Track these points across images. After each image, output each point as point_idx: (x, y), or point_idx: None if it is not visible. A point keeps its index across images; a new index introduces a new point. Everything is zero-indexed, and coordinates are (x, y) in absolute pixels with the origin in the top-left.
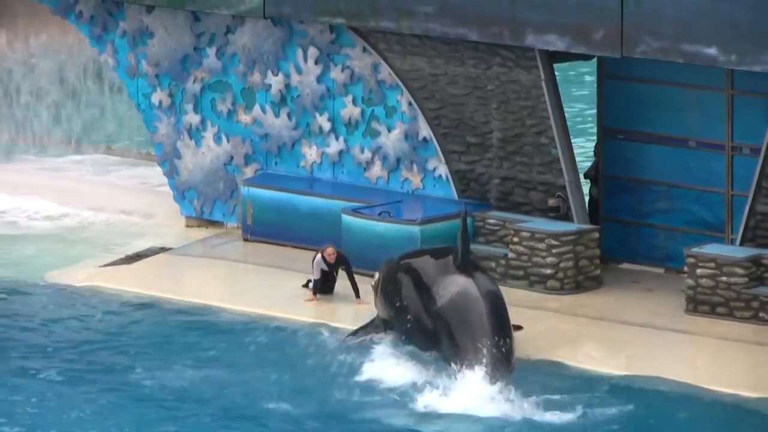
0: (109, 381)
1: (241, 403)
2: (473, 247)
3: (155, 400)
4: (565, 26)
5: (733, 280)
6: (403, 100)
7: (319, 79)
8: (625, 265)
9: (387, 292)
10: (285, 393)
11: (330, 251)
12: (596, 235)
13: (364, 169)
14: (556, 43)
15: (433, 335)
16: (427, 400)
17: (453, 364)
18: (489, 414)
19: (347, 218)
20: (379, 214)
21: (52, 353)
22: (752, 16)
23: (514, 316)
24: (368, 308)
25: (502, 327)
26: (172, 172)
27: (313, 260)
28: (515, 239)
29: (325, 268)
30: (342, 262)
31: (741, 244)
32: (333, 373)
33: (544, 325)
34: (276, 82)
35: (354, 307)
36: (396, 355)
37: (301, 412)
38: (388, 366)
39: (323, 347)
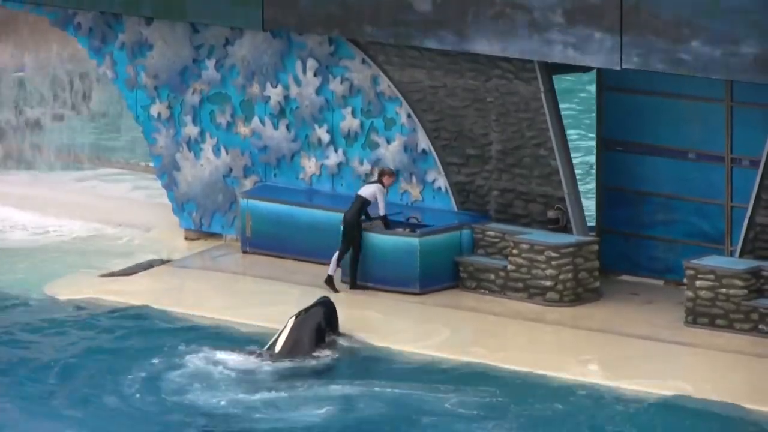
0: (107, 392)
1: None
2: (472, 259)
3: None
4: (564, 38)
5: (732, 292)
6: (402, 112)
7: (318, 91)
8: (624, 277)
9: None
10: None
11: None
12: (595, 247)
13: (364, 181)
14: (554, 54)
15: None
16: None
17: None
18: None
19: None
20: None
21: (51, 365)
22: (751, 29)
23: (513, 329)
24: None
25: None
26: (171, 185)
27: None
28: (514, 251)
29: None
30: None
31: (740, 255)
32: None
33: (543, 338)
34: (275, 94)
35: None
36: None
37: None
38: None
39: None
